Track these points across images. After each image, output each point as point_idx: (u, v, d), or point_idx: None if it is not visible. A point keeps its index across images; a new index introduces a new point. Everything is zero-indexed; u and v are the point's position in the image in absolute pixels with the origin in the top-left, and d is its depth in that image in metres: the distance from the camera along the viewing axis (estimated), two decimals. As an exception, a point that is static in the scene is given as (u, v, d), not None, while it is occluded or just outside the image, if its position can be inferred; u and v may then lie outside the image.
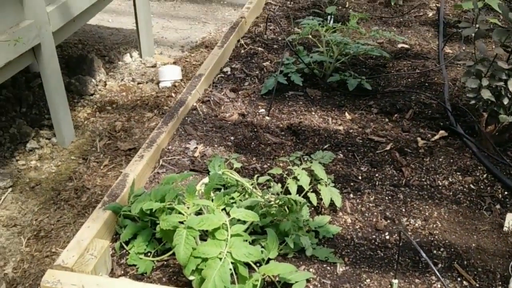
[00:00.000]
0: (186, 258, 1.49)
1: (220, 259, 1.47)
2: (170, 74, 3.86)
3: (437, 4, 4.20)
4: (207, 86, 2.96)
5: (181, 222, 1.61)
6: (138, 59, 4.31)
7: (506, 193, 2.26)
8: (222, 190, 1.97)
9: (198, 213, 1.72)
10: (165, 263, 1.77)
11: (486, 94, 2.47)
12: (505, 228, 2.09)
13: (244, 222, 1.68)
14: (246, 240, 1.58)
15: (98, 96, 3.74)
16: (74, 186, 2.79)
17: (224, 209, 1.77)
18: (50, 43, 2.91)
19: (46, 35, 2.85)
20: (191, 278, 1.53)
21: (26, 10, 2.68)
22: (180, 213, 1.63)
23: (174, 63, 4.19)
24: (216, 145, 2.44)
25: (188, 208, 1.65)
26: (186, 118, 2.63)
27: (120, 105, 3.66)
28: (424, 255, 1.61)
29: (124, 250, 1.80)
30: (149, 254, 1.78)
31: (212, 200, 1.75)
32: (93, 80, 3.79)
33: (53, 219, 2.55)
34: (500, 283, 1.82)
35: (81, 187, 2.78)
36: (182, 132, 2.52)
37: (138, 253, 1.74)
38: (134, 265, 1.74)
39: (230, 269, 1.45)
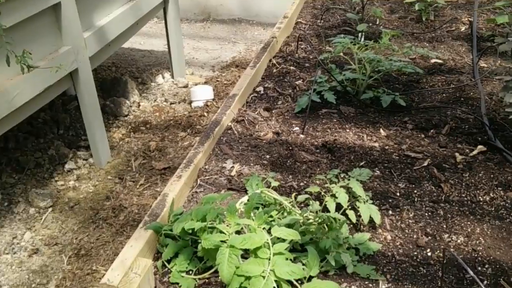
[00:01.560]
0: (230, 276, 1.49)
1: (264, 277, 1.46)
2: (202, 94, 3.91)
3: (470, 19, 4.16)
4: (241, 106, 2.99)
5: (223, 241, 1.61)
6: (170, 80, 4.39)
7: (549, 208, 2.19)
8: (261, 209, 1.97)
9: (239, 232, 1.73)
10: (206, 281, 1.78)
11: (525, 108, 2.43)
12: (551, 245, 2.03)
13: (285, 240, 1.67)
14: (288, 259, 1.58)
15: (132, 117, 3.81)
16: (111, 205, 2.84)
17: (264, 228, 1.76)
18: (87, 67, 2.99)
19: (83, 60, 2.94)
20: (234, 296, 1.53)
21: (64, 36, 2.77)
22: (221, 232, 1.64)
23: (206, 83, 4.25)
24: (252, 164, 2.45)
25: (229, 227, 1.66)
26: (222, 137, 2.66)
27: (154, 125, 3.72)
28: (470, 271, 1.57)
29: (166, 269, 1.82)
30: (190, 272, 1.79)
31: (253, 219, 1.76)
32: (127, 101, 3.87)
33: (92, 237, 2.59)
34: (550, 301, 1.76)
35: (118, 206, 2.83)
36: (218, 152, 2.54)
37: (180, 271, 1.75)
38: (177, 283, 1.75)
39: (274, 287, 1.45)
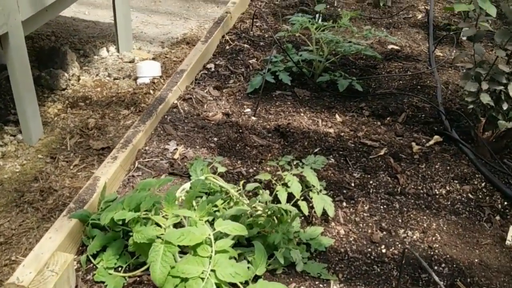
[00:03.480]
0: (163, 277, 1.29)
1: (203, 279, 1.27)
2: (149, 70, 3.66)
3: (426, 7, 4.09)
4: (189, 83, 2.76)
5: (159, 235, 1.41)
6: (115, 53, 4.09)
7: (506, 203, 2.13)
8: (205, 198, 1.77)
9: (177, 225, 1.52)
10: (138, 279, 1.56)
11: (485, 99, 2.33)
12: (507, 242, 1.96)
13: (228, 236, 1.48)
14: (232, 257, 1.39)
15: (71, 91, 3.52)
16: (40, 187, 2.57)
17: (207, 220, 1.57)
18: (18, 32, 2.69)
19: (15, 24, 2.63)
20: (168, 299, 1.33)
21: (-8, -5, 2.45)
22: (157, 224, 1.43)
23: (154, 59, 3.98)
24: (198, 147, 2.24)
25: (166, 219, 1.45)
26: (166, 116, 2.43)
27: (94, 101, 3.44)
28: (435, 276, 1.44)
29: (91, 265, 1.59)
30: (119, 269, 1.57)
31: (195, 210, 1.56)
32: (66, 74, 3.56)
33: (14, 223, 2.32)
34: (507, 303, 1.68)
35: (47, 188, 2.56)
36: (161, 132, 2.31)
37: (107, 268, 1.53)
38: (102, 282, 1.52)
39: (214, 290, 1.26)
